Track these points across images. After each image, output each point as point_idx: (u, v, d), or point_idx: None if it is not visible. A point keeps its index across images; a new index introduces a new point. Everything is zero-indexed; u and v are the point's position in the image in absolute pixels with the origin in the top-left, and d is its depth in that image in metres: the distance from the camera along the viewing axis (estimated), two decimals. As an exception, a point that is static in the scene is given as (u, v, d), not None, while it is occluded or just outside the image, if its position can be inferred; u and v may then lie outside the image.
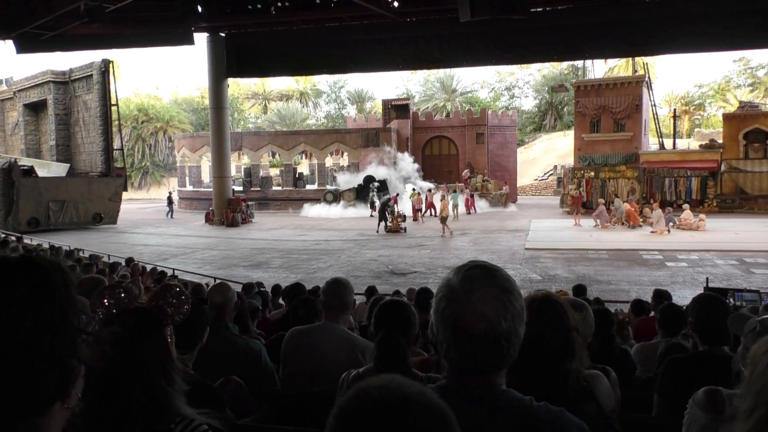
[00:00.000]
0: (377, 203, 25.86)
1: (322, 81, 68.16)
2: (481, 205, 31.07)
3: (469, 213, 29.45)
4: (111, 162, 28.63)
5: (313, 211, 31.37)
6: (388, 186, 31.57)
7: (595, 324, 2.81)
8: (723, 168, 27.50)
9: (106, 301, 1.41)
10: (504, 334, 1.21)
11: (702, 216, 21.33)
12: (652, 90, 33.13)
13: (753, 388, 1.06)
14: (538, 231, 21.68)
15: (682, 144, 37.94)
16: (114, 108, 28.66)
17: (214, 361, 2.83)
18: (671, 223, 21.03)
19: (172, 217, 31.72)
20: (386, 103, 40.82)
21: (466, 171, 35.75)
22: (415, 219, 26.53)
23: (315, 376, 3.01)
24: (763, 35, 20.50)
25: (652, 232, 20.44)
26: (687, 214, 21.54)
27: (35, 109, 33.04)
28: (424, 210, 27.65)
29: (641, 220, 22.14)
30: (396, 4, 20.99)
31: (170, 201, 32.97)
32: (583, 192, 27.91)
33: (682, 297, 9.76)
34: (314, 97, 69.99)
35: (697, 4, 20.57)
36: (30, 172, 26.18)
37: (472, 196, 30.68)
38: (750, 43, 23.61)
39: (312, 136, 37.64)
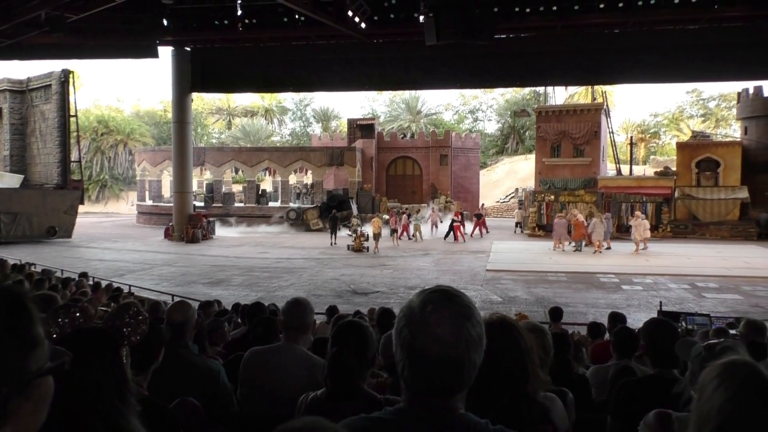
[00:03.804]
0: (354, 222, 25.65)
1: (288, 98, 68.13)
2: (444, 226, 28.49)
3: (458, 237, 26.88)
4: (68, 174, 27.94)
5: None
6: (352, 205, 31.53)
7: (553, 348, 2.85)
8: (676, 195, 28.42)
9: (60, 320, 1.39)
10: (458, 358, 1.21)
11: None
12: (610, 118, 34.22)
13: (697, 413, 1.12)
14: (499, 252, 21.94)
15: (638, 170, 39.08)
16: (73, 119, 28.06)
17: (172, 381, 2.78)
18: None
19: None
20: (351, 123, 40.99)
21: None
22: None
23: (274, 397, 2.97)
24: (713, 68, 21.54)
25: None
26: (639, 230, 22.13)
27: (-11, 117, 32.08)
28: (399, 232, 26.55)
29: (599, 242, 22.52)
30: (363, 25, 21.20)
31: None
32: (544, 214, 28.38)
33: (637, 320, 9.98)
34: (279, 114, 69.74)
35: (653, 37, 21.45)
36: (-19, 182, 25.34)
37: (479, 216, 28.96)
38: (701, 76, 24.72)
39: (276, 153, 37.41)
